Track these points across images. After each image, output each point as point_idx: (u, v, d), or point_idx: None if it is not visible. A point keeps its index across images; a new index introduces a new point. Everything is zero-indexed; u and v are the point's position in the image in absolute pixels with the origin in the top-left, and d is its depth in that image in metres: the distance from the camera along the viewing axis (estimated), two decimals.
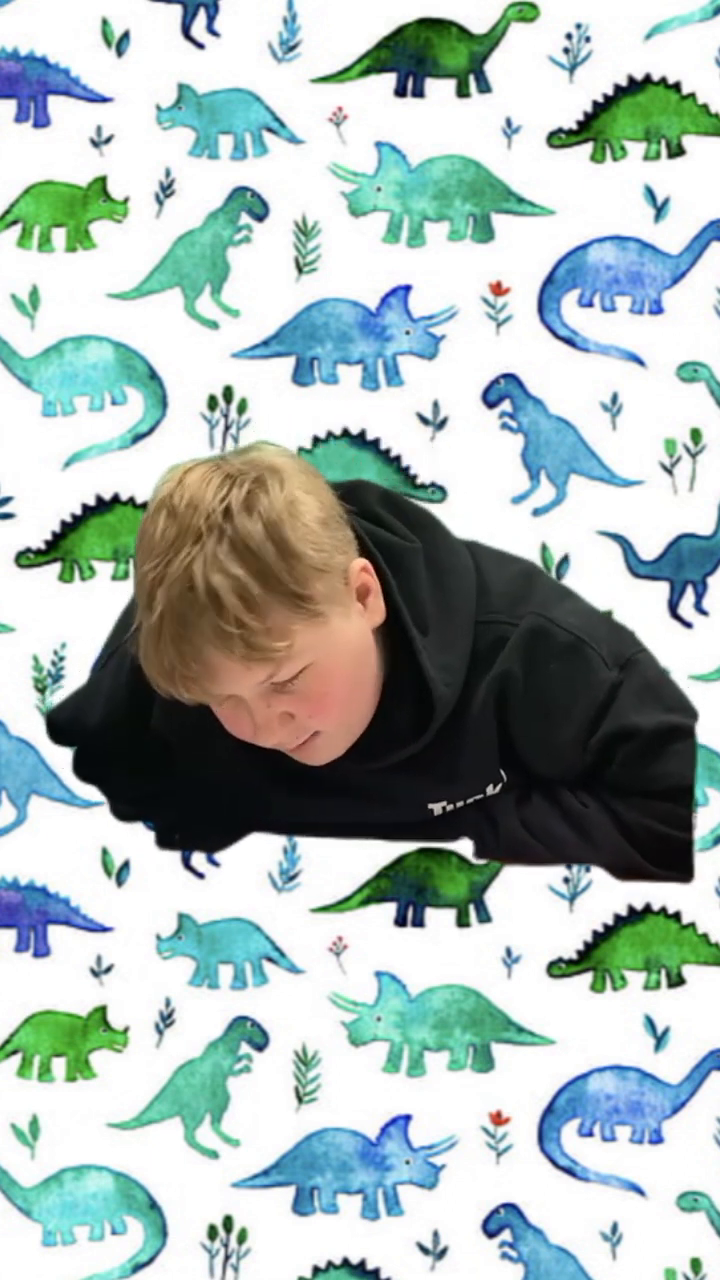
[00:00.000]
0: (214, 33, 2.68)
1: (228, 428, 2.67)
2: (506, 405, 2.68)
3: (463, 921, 2.49)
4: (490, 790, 2.42)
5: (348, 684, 2.26)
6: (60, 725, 2.51)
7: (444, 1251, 2.48)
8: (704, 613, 2.66)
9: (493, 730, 2.36)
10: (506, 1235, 2.48)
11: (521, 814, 2.42)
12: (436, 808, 2.42)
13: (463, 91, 2.67)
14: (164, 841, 2.50)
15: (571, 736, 2.37)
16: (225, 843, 2.48)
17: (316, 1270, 2.47)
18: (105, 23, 2.67)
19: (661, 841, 2.39)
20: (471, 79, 2.67)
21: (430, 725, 2.32)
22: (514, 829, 2.42)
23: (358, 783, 2.36)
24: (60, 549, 2.66)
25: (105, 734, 2.46)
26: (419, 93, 2.68)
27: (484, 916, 2.49)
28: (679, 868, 2.41)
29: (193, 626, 2.15)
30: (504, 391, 2.68)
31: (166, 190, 2.68)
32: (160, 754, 2.44)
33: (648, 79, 2.68)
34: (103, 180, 2.67)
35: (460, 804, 2.42)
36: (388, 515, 2.33)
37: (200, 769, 2.41)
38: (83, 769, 2.52)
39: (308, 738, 2.27)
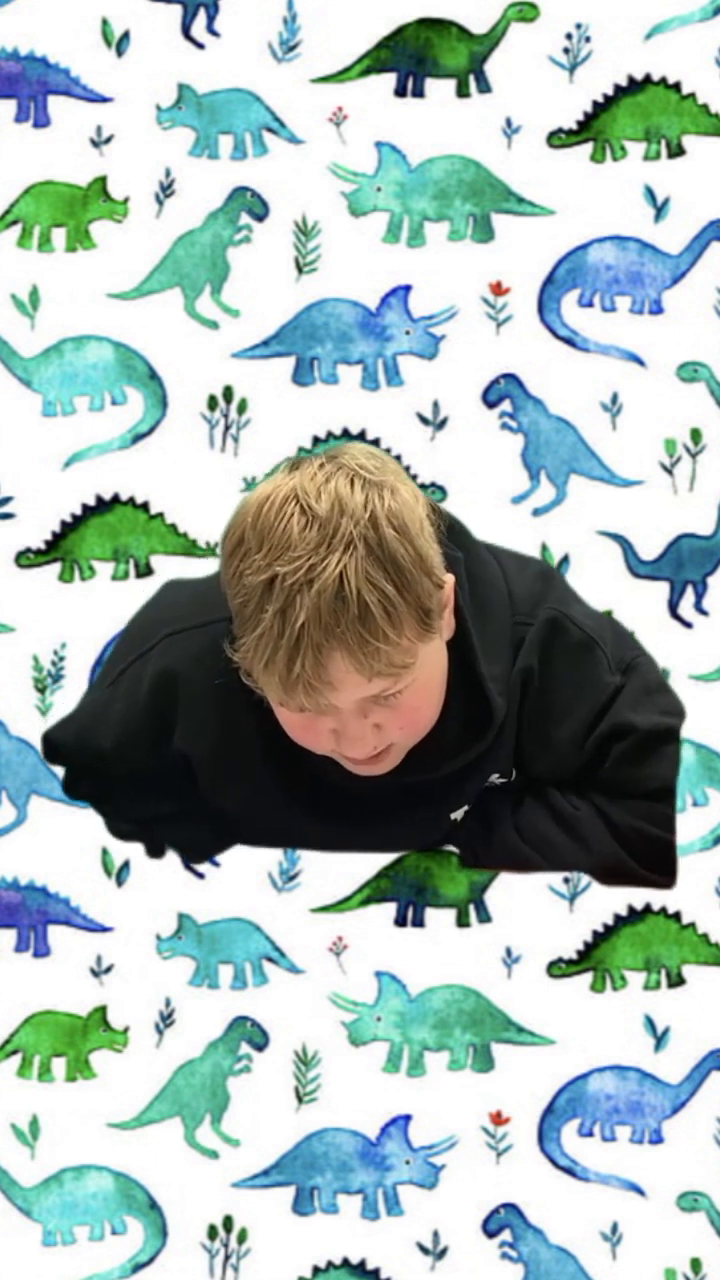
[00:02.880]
0: (214, 33, 2.68)
1: (228, 428, 2.67)
2: (506, 405, 2.68)
3: (463, 921, 2.49)
4: (495, 780, 2.41)
5: (435, 696, 2.25)
6: (66, 748, 2.46)
7: (444, 1251, 2.48)
8: (704, 613, 2.66)
9: (514, 727, 2.36)
10: (506, 1235, 2.48)
11: (515, 818, 2.41)
12: (457, 815, 2.41)
13: (463, 91, 2.67)
14: (155, 852, 2.49)
15: (570, 735, 2.37)
16: (217, 852, 2.48)
17: (316, 1270, 2.47)
18: (105, 23, 2.67)
19: (650, 843, 2.39)
20: (471, 79, 2.67)
21: (485, 735, 2.31)
22: (507, 834, 2.41)
23: (383, 800, 2.34)
24: (60, 549, 2.66)
25: (120, 756, 2.43)
26: (419, 93, 2.68)
27: (484, 916, 2.49)
28: (664, 870, 2.41)
29: (337, 638, 2.09)
30: (504, 391, 2.68)
31: (166, 190, 2.68)
32: (173, 775, 2.41)
33: (648, 79, 2.68)
34: (103, 180, 2.68)
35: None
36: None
37: (223, 791, 2.39)
38: (79, 788, 2.49)
39: (381, 750, 2.25)
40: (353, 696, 2.15)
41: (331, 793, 2.33)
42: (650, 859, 2.40)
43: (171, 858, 2.50)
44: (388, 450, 2.67)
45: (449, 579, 2.21)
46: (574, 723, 2.37)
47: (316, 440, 2.66)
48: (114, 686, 2.41)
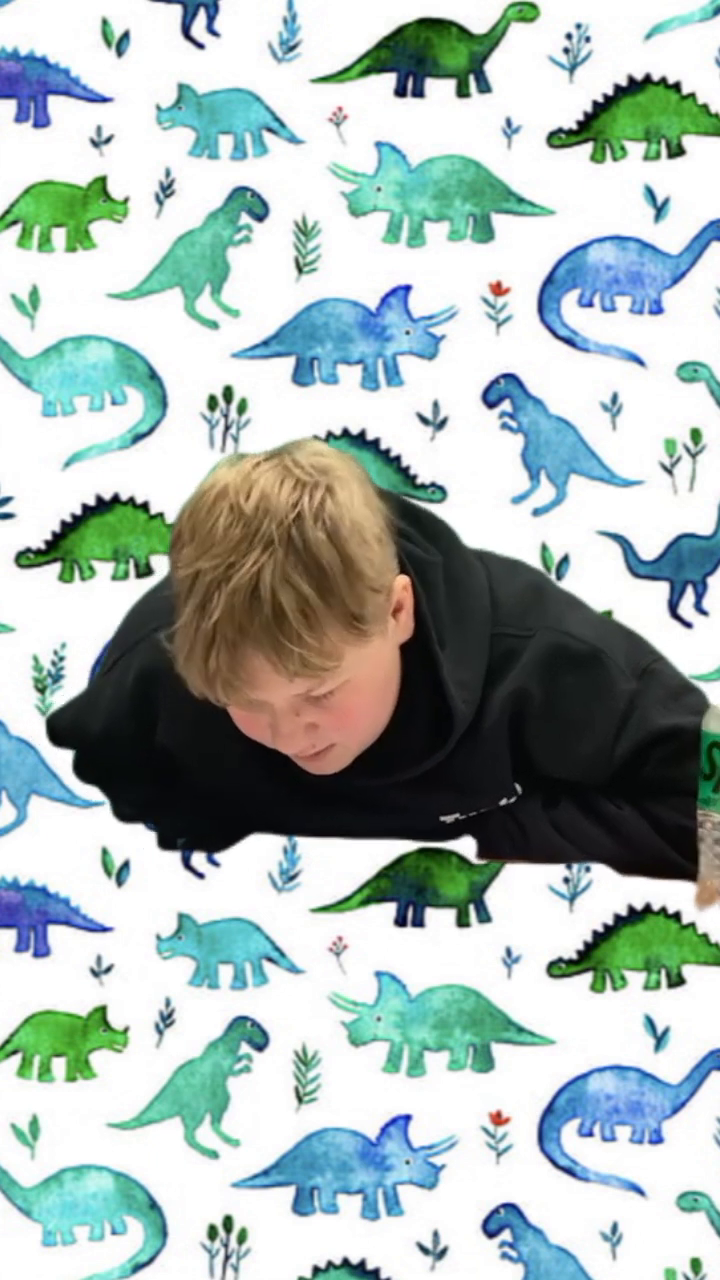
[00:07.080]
0: (214, 33, 2.68)
1: (228, 428, 2.67)
2: (506, 405, 2.68)
3: (463, 921, 2.49)
4: (504, 803, 2.41)
5: (376, 700, 2.25)
6: (61, 731, 2.50)
7: (444, 1251, 2.48)
8: (704, 613, 2.66)
9: (505, 743, 2.35)
10: (506, 1235, 2.47)
11: (552, 818, 2.41)
12: (449, 818, 2.41)
13: (463, 91, 2.67)
14: (166, 843, 2.50)
15: (594, 747, 2.36)
16: (228, 844, 2.48)
17: (316, 1270, 2.47)
18: (105, 23, 2.67)
19: (687, 835, 2.39)
20: (471, 79, 2.67)
21: (446, 742, 2.31)
22: (545, 833, 2.41)
23: (369, 793, 2.35)
24: (60, 549, 2.67)
25: (107, 743, 2.45)
26: (419, 93, 2.68)
27: (484, 916, 2.49)
28: (692, 857, 2.41)
29: (251, 637, 2.10)
30: (504, 391, 2.68)
31: (166, 190, 2.68)
32: (164, 762, 2.43)
33: (648, 79, 2.68)
34: (103, 180, 2.68)
35: (472, 814, 2.42)
36: (408, 526, 2.30)
37: (207, 779, 2.41)
38: (84, 772, 2.52)
39: (322, 748, 2.26)
40: (277, 694, 2.16)
41: (311, 787, 2.34)
42: (685, 849, 2.40)
43: (173, 855, 2.50)
44: (387, 451, 2.67)
45: (400, 581, 2.21)
46: (597, 735, 2.36)
47: (316, 440, 2.66)
48: (106, 676, 2.44)
